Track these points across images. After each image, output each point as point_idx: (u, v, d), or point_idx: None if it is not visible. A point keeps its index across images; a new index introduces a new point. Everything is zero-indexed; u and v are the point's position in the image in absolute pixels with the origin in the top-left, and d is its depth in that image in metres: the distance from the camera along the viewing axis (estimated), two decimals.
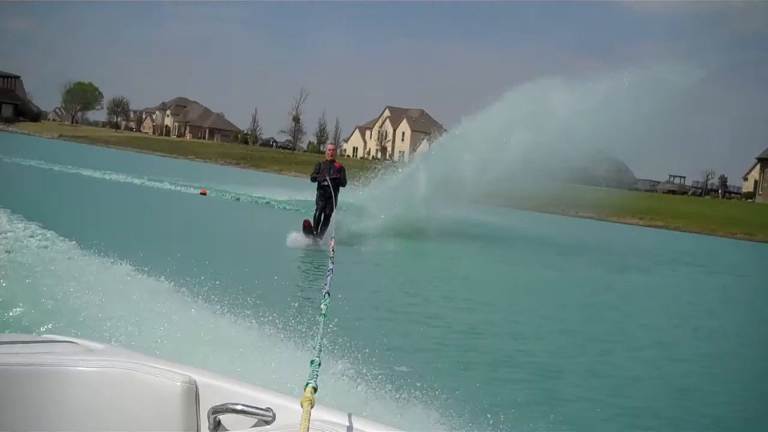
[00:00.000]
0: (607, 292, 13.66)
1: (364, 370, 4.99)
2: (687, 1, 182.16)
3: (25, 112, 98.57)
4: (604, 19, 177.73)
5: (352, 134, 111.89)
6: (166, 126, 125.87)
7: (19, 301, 5.91)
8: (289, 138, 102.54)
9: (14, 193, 15.57)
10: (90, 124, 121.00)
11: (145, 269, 7.36)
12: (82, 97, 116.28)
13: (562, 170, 19.74)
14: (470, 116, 21.07)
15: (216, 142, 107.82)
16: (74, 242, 8.94)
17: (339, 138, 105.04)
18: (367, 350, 5.36)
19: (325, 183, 13.64)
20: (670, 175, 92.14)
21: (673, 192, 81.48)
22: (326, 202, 13.79)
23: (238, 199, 25.26)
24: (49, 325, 5.26)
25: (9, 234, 9.37)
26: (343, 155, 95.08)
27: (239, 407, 1.95)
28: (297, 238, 13.46)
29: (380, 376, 4.90)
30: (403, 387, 4.70)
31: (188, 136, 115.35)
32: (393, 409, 4.38)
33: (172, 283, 6.96)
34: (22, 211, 11.11)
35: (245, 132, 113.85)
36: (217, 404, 2.02)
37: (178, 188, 26.44)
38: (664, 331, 9.93)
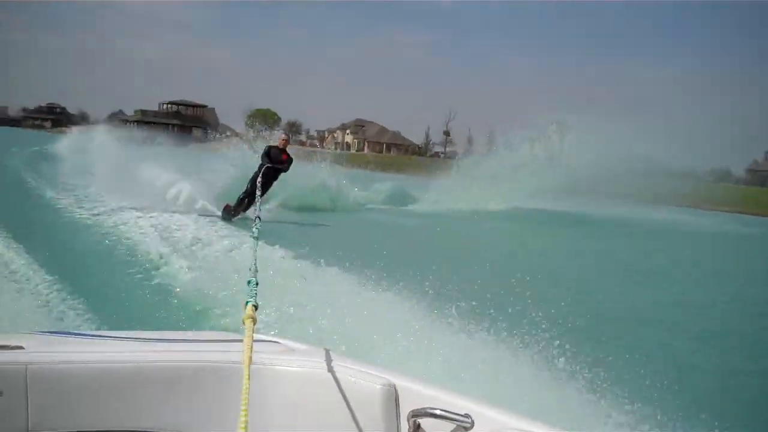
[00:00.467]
0: None
1: None
2: None
3: (212, 134, 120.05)
4: None
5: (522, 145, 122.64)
6: (347, 143, 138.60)
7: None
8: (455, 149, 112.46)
9: None
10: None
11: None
12: (262, 120, 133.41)
13: None
14: None
15: (391, 154, 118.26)
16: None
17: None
18: None
19: (268, 164, 13.32)
20: None
21: None
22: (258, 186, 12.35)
23: None
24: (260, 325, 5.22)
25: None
26: None
27: (438, 412, 1.88)
28: None
29: None
30: None
31: (366, 151, 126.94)
32: None
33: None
34: None
35: (419, 145, 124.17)
36: (416, 408, 1.95)
37: None
38: None
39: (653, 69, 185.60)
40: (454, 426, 1.88)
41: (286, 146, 14.11)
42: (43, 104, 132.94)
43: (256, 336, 2.64)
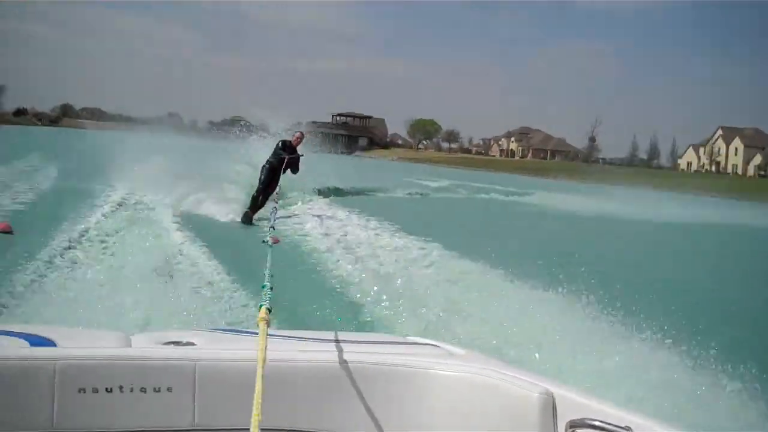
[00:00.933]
0: None
1: None
2: None
3: (376, 142, 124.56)
4: None
5: (686, 151, 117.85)
6: (511, 150, 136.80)
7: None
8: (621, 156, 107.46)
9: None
10: (446, 150, 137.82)
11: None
12: (423, 129, 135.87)
13: None
14: None
15: (555, 161, 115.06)
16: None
17: (675, 155, 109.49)
18: None
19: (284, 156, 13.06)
20: None
21: None
22: (272, 179, 12.95)
23: None
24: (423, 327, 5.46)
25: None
26: (677, 168, 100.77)
27: (597, 423, 1.79)
28: None
29: None
30: None
31: (529, 157, 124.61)
32: None
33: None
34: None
35: (582, 151, 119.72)
36: (574, 418, 1.88)
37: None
38: None
39: None
40: None
41: (299, 143, 13.61)
42: (228, 117, 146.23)
43: (415, 339, 2.68)
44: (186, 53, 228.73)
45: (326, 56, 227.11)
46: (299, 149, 13.43)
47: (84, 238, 8.73)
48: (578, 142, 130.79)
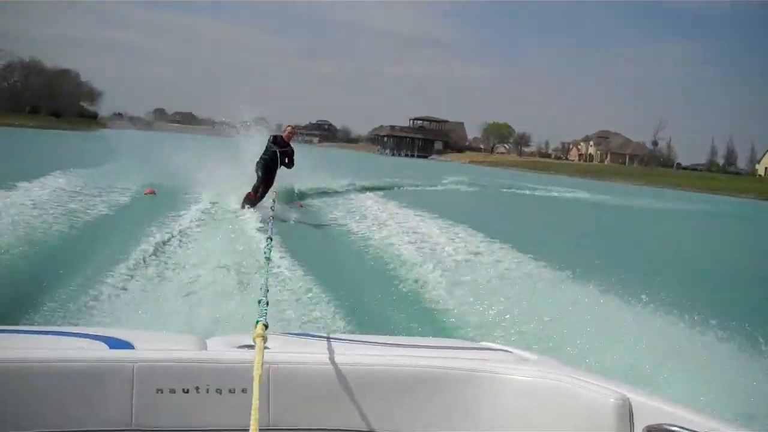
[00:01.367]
0: None
1: None
2: None
3: (451, 146, 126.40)
4: None
5: (764, 155, 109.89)
6: (590, 154, 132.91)
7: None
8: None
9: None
10: (526, 154, 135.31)
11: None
12: (496, 133, 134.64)
13: None
14: None
15: (633, 166, 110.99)
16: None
17: (754, 159, 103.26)
18: None
19: (276, 150, 12.89)
20: None
21: None
22: (268, 174, 12.92)
23: None
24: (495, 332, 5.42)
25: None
26: (755, 173, 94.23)
27: (675, 429, 1.75)
28: None
29: None
30: None
31: (606, 162, 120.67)
32: None
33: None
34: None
35: (660, 157, 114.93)
36: (651, 424, 1.84)
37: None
38: None
39: None
40: None
41: (290, 138, 13.51)
42: (314, 121, 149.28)
43: (488, 344, 2.64)
44: (273, 58, 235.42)
45: (413, 60, 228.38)
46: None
47: (169, 242, 8.73)
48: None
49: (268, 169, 12.88)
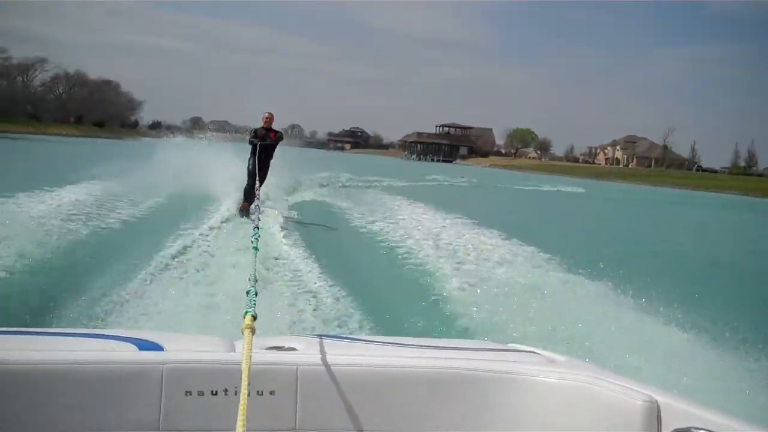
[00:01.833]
0: None
1: None
2: None
3: (476, 151, 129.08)
4: None
5: None
6: (616, 158, 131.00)
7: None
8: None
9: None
10: (555, 158, 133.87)
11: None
12: (520, 138, 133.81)
13: None
14: None
15: (657, 168, 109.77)
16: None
17: None
18: None
19: (260, 142, 12.07)
20: None
21: None
22: (257, 173, 11.66)
23: None
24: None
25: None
26: None
27: None
28: None
29: None
30: None
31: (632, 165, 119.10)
32: None
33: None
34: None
35: (685, 160, 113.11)
36: (680, 427, 1.79)
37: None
38: None
39: None
40: None
41: (270, 124, 12.34)
42: (347, 128, 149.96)
43: (515, 346, 2.55)
44: (306, 64, 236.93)
45: (448, 64, 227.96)
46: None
47: (193, 245, 8.77)
48: (683, 150, 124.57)
49: (252, 172, 11.92)
